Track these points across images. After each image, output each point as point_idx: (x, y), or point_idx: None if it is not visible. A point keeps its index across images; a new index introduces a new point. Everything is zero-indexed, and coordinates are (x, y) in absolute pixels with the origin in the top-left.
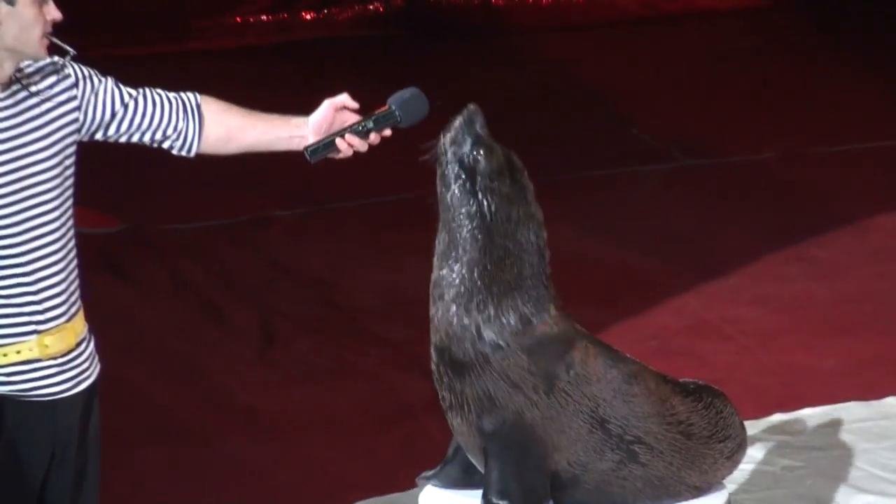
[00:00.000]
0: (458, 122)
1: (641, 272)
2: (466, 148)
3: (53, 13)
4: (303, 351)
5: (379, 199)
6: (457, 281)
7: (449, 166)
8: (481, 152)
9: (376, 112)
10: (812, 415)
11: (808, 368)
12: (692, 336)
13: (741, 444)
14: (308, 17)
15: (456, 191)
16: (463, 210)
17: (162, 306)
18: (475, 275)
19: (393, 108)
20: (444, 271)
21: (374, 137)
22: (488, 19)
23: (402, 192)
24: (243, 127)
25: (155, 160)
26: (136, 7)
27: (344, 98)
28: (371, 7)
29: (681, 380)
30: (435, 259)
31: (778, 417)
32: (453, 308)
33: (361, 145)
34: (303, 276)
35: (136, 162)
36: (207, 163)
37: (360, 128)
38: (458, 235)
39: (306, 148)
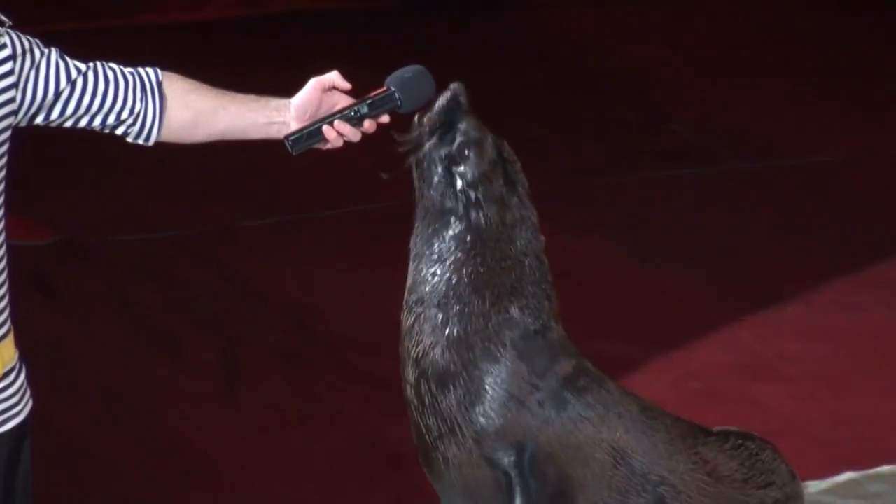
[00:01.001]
0: (439, 109)
1: (681, 297)
2: (452, 147)
3: None
4: (273, 389)
5: (364, 207)
6: (440, 285)
7: (430, 167)
8: (469, 153)
9: (372, 94)
10: (890, 473)
11: (885, 417)
12: (743, 376)
13: (791, 497)
14: None
15: (439, 193)
16: (448, 212)
17: (103, 333)
18: (463, 276)
19: (392, 89)
20: (424, 273)
21: (368, 124)
22: None
23: (392, 199)
24: (213, 110)
25: (97, 154)
26: None
27: (333, 77)
28: None
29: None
30: (412, 261)
31: (848, 476)
32: (436, 312)
33: (353, 134)
34: (273, 299)
35: (73, 157)
36: (161, 160)
37: (353, 113)
38: (442, 234)
39: (287, 136)
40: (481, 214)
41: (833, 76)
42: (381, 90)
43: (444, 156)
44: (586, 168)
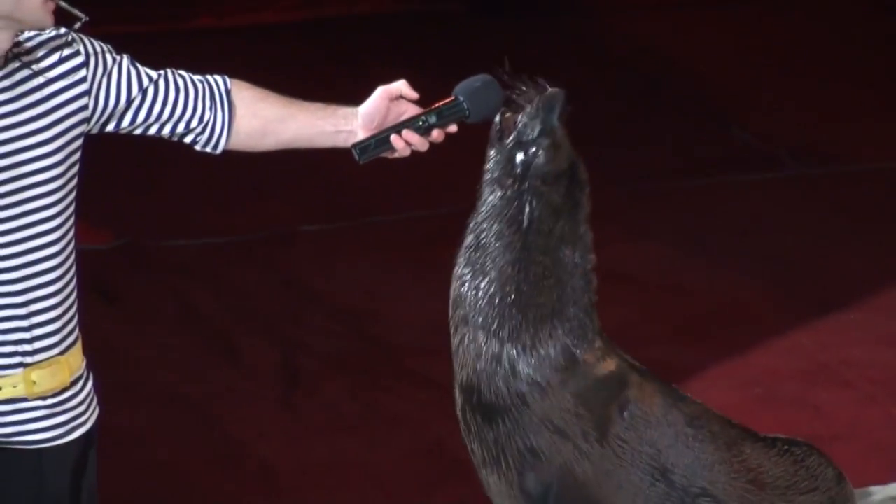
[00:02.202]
0: (533, 104)
1: (742, 303)
2: (532, 134)
3: None
4: (332, 395)
5: (424, 213)
6: (483, 301)
7: (502, 152)
8: (544, 146)
9: (440, 104)
10: None
11: None
12: (806, 382)
13: (837, 501)
14: None
15: (499, 183)
16: (499, 210)
17: (163, 338)
18: (506, 294)
19: (460, 98)
20: (468, 287)
21: (436, 134)
22: None
23: (453, 204)
24: (281, 118)
25: (159, 160)
26: None
27: (401, 86)
28: None
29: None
30: (456, 269)
31: None
32: (480, 336)
33: (421, 143)
34: (332, 305)
35: (134, 163)
36: (220, 167)
37: (421, 122)
38: (488, 242)
39: (355, 145)
40: (532, 216)
41: None
42: (450, 99)
43: (519, 143)
44: (647, 173)
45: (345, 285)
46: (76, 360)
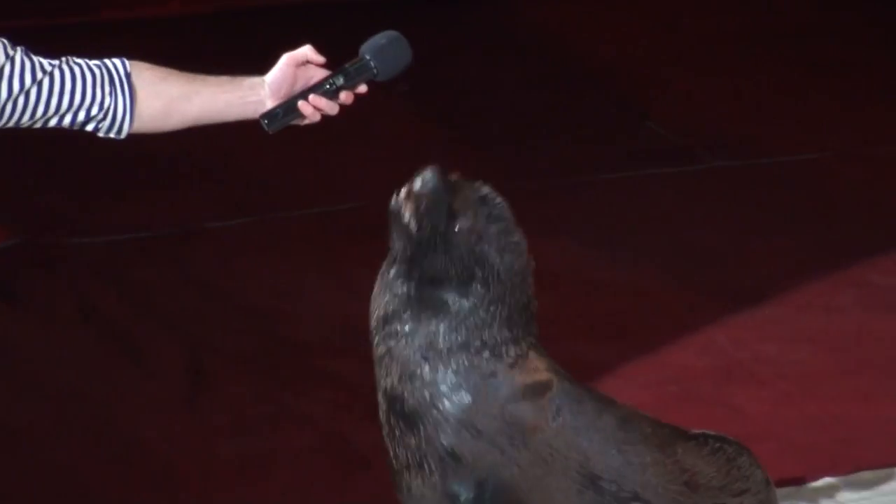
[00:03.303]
0: (420, 201)
1: (657, 299)
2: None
3: None
4: (238, 395)
5: (330, 208)
6: (413, 322)
7: (417, 245)
8: (455, 237)
9: (347, 65)
10: (870, 479)
11: (864, 421)
12: (720, 380)
13: None
14: None
15: (427, 259)
16: (431, 265)
17: (64, 339)
18: (438, 318)
19: (367, 57)
20: (396, 307)
21: (345, 96)
22: None
23: (358, 200)
24: (185, 96)
25: (55, 152)
26: None
27: (306, 51)
28: None
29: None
30: (383, 288)
31: (826, 481)
32: (407, 351)
33: (330, 107)
34: (238, 303)
35: (30, 157)
36: (120, 161)
37: (329, 85)
38: (422, 280)
39: (263, 115)
40: (461, 253)
41: (813, 73)
42: (356, 59)
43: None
44: (561, 167)
45: (250, 283)
46: None
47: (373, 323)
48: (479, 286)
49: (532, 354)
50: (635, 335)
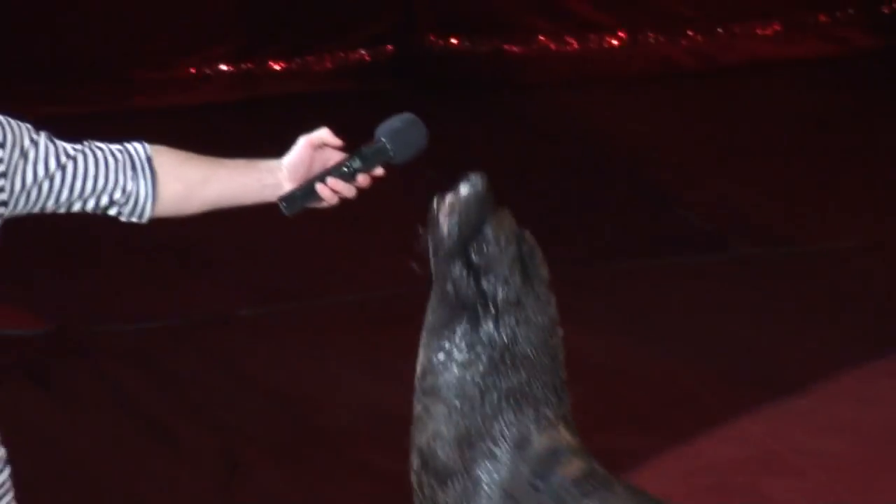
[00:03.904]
0: (459, 206)
1: (690, 389)
2: (472, 247)
3: None
4: (273, 484)
5: (367, 295)
6: (449, 378)
7: (448, 260)
8: (489, 250)
9: (363, 148)
10: None
11: None
12: (756, 471)
13: None
14: (277, 67)
15: (454, 288)
16: (462, 306)
17: (97, 427)
18: (470, 375)
19: (383, 140)
20: (434, 363)
21: (362, 179)
22: (501, 71)
23: (396, 286)
24: (205, 179)
25: (88, 241)
26: (70, 57)
27: (323, 133)
28: (354, 55)
29: None
30: (424, 335)
31: None
32: (443, 409)
33: (348, 190)
34: (271, 391)
35: (64, 245)
36: (152, 248)
37: (346, 168)
38: (453, 328)
39: (281, 198)
40: (497, 322)
41: (845, 160)
42: (373, 143)
43: (461, 253)
44: (590, 254)
45: (283, 371)
46: None
47: (415, 379)
48: (503, 334)
49: (563, 429)
50: (667, 425)
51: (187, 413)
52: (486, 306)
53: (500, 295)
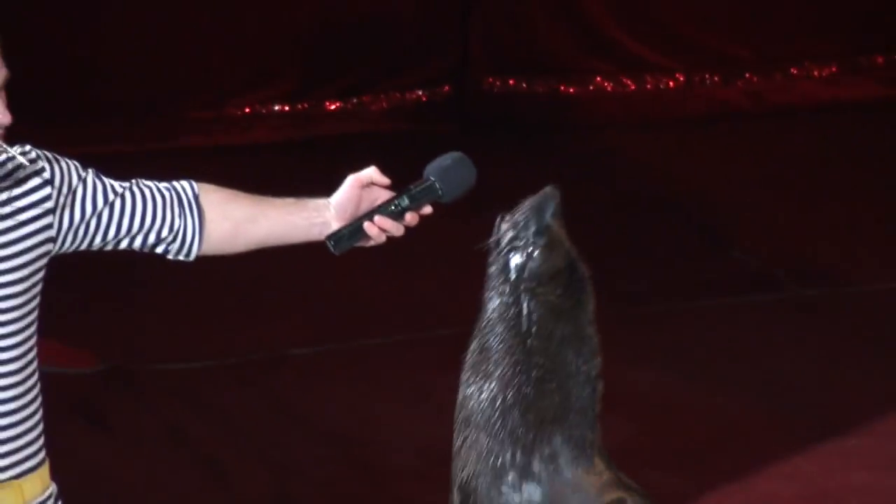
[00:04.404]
0: (525, 205)
1: (742, 427)
2: (526, 236)
3: None
4: None
5: (416, 336)
6: (486, 403)
7: (499, 258)
8: (539, 247)
9: (412, 186)
10: None
11: None
12: None
13: None
14: (332, 107)
15: (495, 288)
16: (499, 314)
17: (151, 465)
18: (508, 397)
19: (431, 179)
20: (473, 389)
21: (410, 217)
22: (557, 112)
23: (446, 327)
24: (252, 218)
25: (142, 280)
26: (123, 97)
27: (371, 172)
28: (411, 96)
29: None
30: (463, 373)
31: None
32: (482, 438)
33: (395, 228)
34: (324, 430)
35: (118, 283)
36: (208, 288)
37: (393, 207)
38: (491, 345)
39: (329, 237)
40: (531, 320)
41: None
42: (421, 181)
43: (512, 247)
44: (643, 294)
45: (335, 410)
46: (34, 487)
47: (455, 412)
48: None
49: (600, 462)
50: (720, 464)
51: (239, 450)
52: (524, 327)
53: (542, 300)
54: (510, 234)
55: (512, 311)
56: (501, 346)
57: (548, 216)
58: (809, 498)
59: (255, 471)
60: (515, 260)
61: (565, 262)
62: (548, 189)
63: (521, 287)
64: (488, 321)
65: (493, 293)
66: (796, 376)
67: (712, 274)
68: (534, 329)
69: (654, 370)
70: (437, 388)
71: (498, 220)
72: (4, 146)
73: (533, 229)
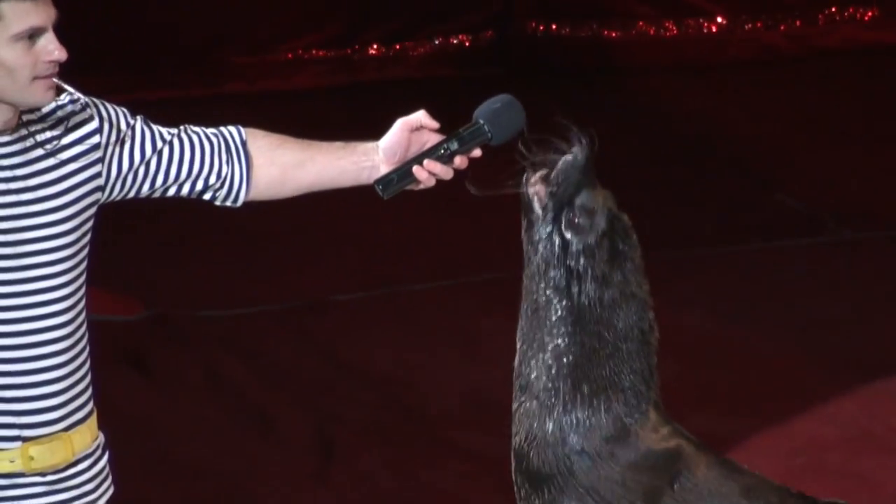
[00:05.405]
0: (557, 170)
1: (786, 370)
2: (563, 214)
3: (52, 52)
4: (368, 467)
5: (461, 280)
6: (542, 372)
7: (538, 226)
8: (579, 223)
9: (461, 129)
10: None
11: None
12: (851, 451)
13: None
14: (374, 52)
15: (542, 258)
16: (549, 283)
17: (195, 411)
18: (562, 366)
19: (481, 122)
20: (528, 357)
21: (459, 161)
22: (599, 56)
23: (485, 272)
24: (300, 163)
25: (187, 226)
26: (165, 43)
27: (420, 116)
28: (454, 41)
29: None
30: (518, 336)
31: None
32: (535, 405)
33: (445, 172)
34: (367, 375)
35: (163, 230)
36: (251, 235)
37: (443, 150)
38: (543, 314)
39: (377, 181)
40: (582, 292)
41: None
42: (470, 124)
43: (553, 219)
44: (689, 239)
45: (379, 355)
46: (83, 438)
47: (513, 375)
48: (592, 317)
49: (653, 415)
50: (764, 407)
51: (284, 397)
52: (572, 285)
53: (588, 270)
54: (548, 205)
55: (563, 282)
56: (554, 316)
57: (583, 180)
58: (852, 440)
59: (298, 417)
60: (560, 232)
61: (607, 222)
62: (576, 150)
63: (569, 259)
64: (537, 286)
65: (538, 260)
66: (839, 319)
67: (755, 218)
68: (585, 300)
69: (698, 314)
70: (482, 332)
71: (525, 179)
72: (65, 87)
73: (577, 202)
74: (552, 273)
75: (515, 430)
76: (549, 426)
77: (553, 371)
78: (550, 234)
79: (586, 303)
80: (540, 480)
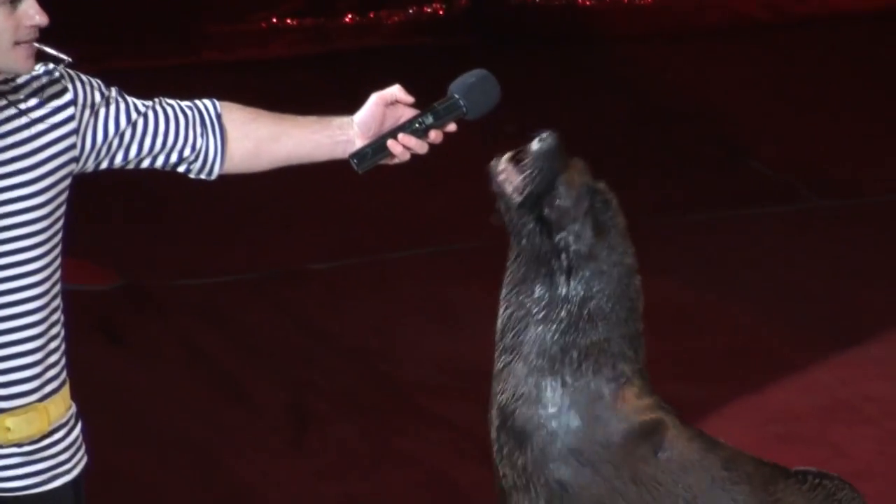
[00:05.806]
0: (528, 161)
1: (759, 339)
2: (544, 202)
3: (33, 17)
4: (343, 436)
5: (436, 249)
6: (528, 336)
7: (516, 214)
8: (559, 210)
9: (436, 104)
10: None
11: None
12: (825, 419)
13: None
14: (349, 20)
15: (527, 243)
16: (538, 261)
17: (169, 379)
18: (549, 332)
19: (456, 96)
20: (513, 320)
21: (434, 135)
22: (573, 24)
23: (460, 241)
24: (275, 136)
25: (161, 197)
26: (140, 12)
27: (395, 90)
28: (428, 9)
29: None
30: (504, 290)
31: None
32: (521, 366)
33: (419, 146)
34: (342, 344)
35: (137, 201)
36: (225, 204)
37: (417, 125)
38: (531, 284)
39: (352, 155)
40: (571, 276)
41: None
42: (445, 98)
43: (535, 208)
44: (663, 206)
45: (354, 324)
46: (58, 408)
47: (496, 335)
48: (578, 288)
49: (639, 382)
50: (738, 375)
51: (259, 366)
52: (559, 261)
53: (573, 248)
54: (527, 199)
55: (550, 260)
56: (544, 279)
57: (555, 168)
58: (826, 408)
59: (273, 386)
60: (540, 220)
61: (586, 200)
62: (546, 138)
63: (557, 243)
64: (524, 257)
65: (524, 239)
66: (814, 287)
67: (731, 185)
68: (573, 273)
69: (674, 281)
70: (456, 301)
71: (494, 164)
72: (47, 49)
73: (554, 192)
74: (537, 252)
75: (501, 389)
76: (537, 386)
77: (540, 335)
78: (532, 225)
79: (573, 276)
80: (524, 438)
